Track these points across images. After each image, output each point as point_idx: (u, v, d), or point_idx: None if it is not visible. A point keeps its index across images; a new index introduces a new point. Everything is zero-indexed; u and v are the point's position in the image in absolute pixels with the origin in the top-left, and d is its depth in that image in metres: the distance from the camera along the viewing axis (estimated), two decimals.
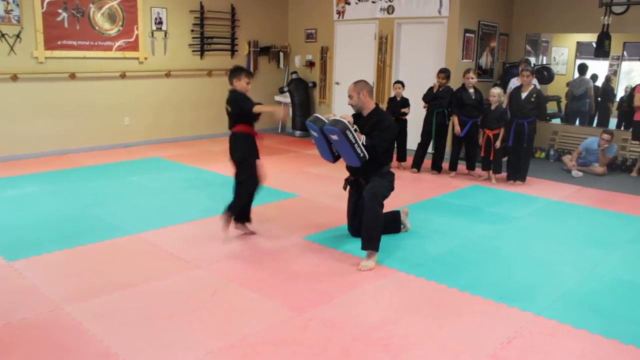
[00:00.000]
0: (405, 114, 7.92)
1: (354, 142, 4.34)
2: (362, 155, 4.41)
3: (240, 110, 4.80)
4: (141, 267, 4.28)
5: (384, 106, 8.39)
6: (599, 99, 9.78)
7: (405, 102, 7.94)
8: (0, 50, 7.67)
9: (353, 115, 4.80)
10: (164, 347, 3.15)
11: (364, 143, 4.42)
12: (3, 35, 7.65)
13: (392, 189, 4.74)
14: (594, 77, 9.80)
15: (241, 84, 4.87)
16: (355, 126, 4.44)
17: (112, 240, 4.85)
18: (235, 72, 4.91)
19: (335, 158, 4.80)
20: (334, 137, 4.41)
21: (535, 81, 8.41)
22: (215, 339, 3.24)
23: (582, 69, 9.74)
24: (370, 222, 4.40)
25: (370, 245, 4.39)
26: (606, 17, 8.40)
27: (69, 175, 7.12)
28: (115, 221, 5.35)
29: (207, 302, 3.72)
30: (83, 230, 5.06)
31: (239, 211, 4.99)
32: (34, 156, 8.13)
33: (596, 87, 9.79)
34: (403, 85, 7.97)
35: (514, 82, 8.30)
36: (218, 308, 3.65)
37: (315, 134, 4.69)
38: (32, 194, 6.23)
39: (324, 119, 4.55)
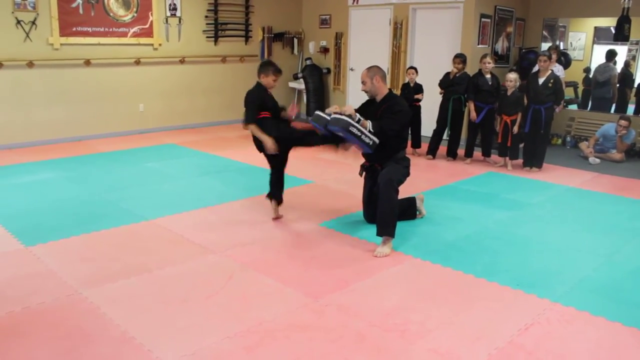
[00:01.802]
0: (419, 100, 7.86)
1: (359, 134, 4.32)
2: (371, 143, 4.39)
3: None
4: (157, 253, 4.31)
5: (397, 92, 8.32)
6: (618, 84, 9.64)
7: (418, 88, 7.88)
8: (16, 36, 7.70)
9: (366, 102, 4.78)
10: (181, 332, 3.17)
11: (371, 129, 4.39)
12: (19, 22, 7.68)
13: (407, 174, 4.71)
14: (613, 63, 9.65)
15: (267, 80, 4.86)
16: (358, 115, 4.40)
17: (128, 225, 4.87)
18: (264, 68, 4.90)
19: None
20: (340, 134, 4.40)
21: (559, 68, 8.31)
22: (232, 324, 3.25)
23: (610, 55, 9.58)
24: (386, 208, 4.38)
25: (386, 231, 4.37)
26: (626, 0, 8.25)
27: (84, 162, 7.16)
28: (131, 207, 5.37)
29: (223, 288, 3.73)
30: (99, 216, 5.09)
31: (275, 191, 5.10)
32: (49, 142, 8.18)
33: None
34: (416, 71, 7.90)
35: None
36: (234, 293, 3.66)
37: (322, 130, 4.66)
38: (48, 180, 6.28)
39: (325, 117, 4.44)
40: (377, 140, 4.41)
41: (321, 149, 5.04)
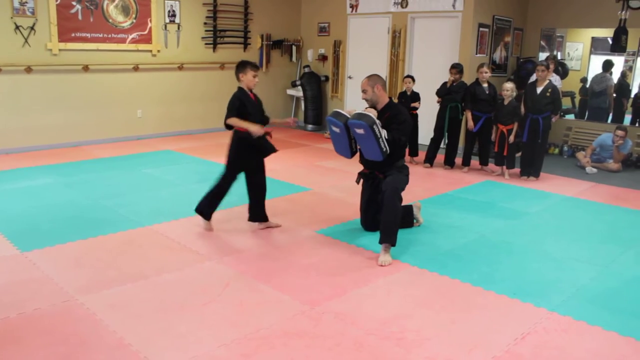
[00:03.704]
0: (416, 108, 7.88)
1: (379, 136, 4.34)
2: (384, 150, 4.40)
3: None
4: (154, 259, 4.29)
5: (395, 101, 8.32)
6: (614, 94, 9.69)
7: (415, 97, 7.90)
8: (14, 42, 7.71)
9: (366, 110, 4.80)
10: (177, 339, 3.15)
11: (387, 137, 4.42)
12: (17, 27, 7.68)
13: (407, 182, 4.73)
14: (610, 73, 9.70)
15: (247, 77, 4.74)
16: (379, 121, 4.42)
17: (124, 232, 4.86)
18: (240, 67, 4.78)
19: (352, 154, 4.78)
20: (360, 131, 4.39)
21: (557, 77, 8.33)
22: (228, 331, 3.24)
23: (607, 65, 9.63)
24: (390, 217, 4.39)
25: (389, 239, 4.37)
26: (623, 12, 8.30)
27: (82, 167, 7.15)
28: (128, 213, 5.36)
29: (220, 295, 3.72)
30: (96, 222, 5.08)
31: (253, 211, 5.01)
32: (47, 148, 8.18)
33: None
34: (413, 80, 7.93)
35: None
36: (230, 300, 3.65)
37: (336, 129, 4.66)
38: (45, 185, 6.27)
39: (346, 114, 4.56)
40: (389, 150, 4.43)
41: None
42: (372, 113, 4.45)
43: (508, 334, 3.31)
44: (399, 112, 4.66)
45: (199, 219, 5.25)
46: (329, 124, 4.74)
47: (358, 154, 4.80)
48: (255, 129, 4.63)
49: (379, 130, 4.34)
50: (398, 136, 4.50)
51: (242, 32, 10.44)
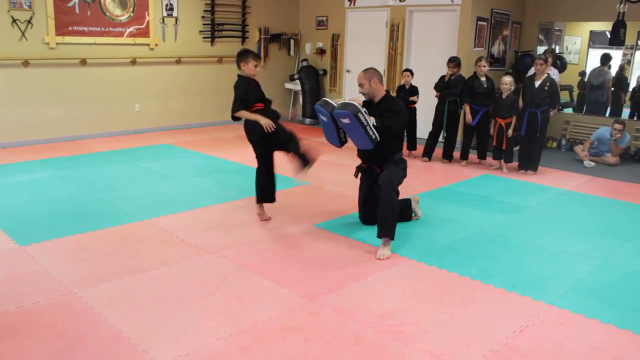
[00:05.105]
0: (414, 102, 7.87)
1: (365, 124, 4.33)
2: (373, 137, 4.39)
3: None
4: (152, 253, 4.29)
5: (393, 94, 8.31)
6: (612, 88, 9.70)
7: (414, 91, 7.88)
8: (11, 35, 7.68)
9: (364, 102, 4.79)
10: (176, 332, 3.16)
11: (375, 124, 4.40)
12: (15, 20, 7.65)
13: (405, 175, 4.72)
14: (608, 67, 9.70)
15: (249, 67, 4.75)
16: (364, 108, 4.42)
17: (123, 225, 4.86)
18: (242, 55, 4.78)
19: (341, 143, 4.79)
20: (345, 120, 4.39)
21: (555, 71, 8.34)
22: (227, 325, 3.25)
23: (605, 59, 9.63)
24: (387, 210, 4.38)
25: (387, 233, 4.37)
26: (622, 5, 8.30)
27: (80, 161, 7.15)
28: (126, 207, 5.36)
29: (218, 288, 3.72)
30: (94, 216, 5.08)
31: (265, 191, 5.01)
32: (45, 142, 8.16)
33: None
34: (412, 74, 7.91)
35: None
36: (229, 294, 3.65)
37: (324, 118, 4.67)
38: (43, 179, 6.26)
39: (333, 103, 4.55)
40: (378, 137, 4.42)
41: (291, 160, 5.00)
42: (357, 101, 4.44)
43: (506, 328, 3.32)
44: (394, 103, 4.67)
45: (197, 212, 5.26)
46: (318, 112, 4.73)
47: (356, 148, 4.80)
48: (265, 121, 4.66)
49: (364, 118, 4.32)
50: (389, 123, 4.48)
51: (240, 25, 10.40)
